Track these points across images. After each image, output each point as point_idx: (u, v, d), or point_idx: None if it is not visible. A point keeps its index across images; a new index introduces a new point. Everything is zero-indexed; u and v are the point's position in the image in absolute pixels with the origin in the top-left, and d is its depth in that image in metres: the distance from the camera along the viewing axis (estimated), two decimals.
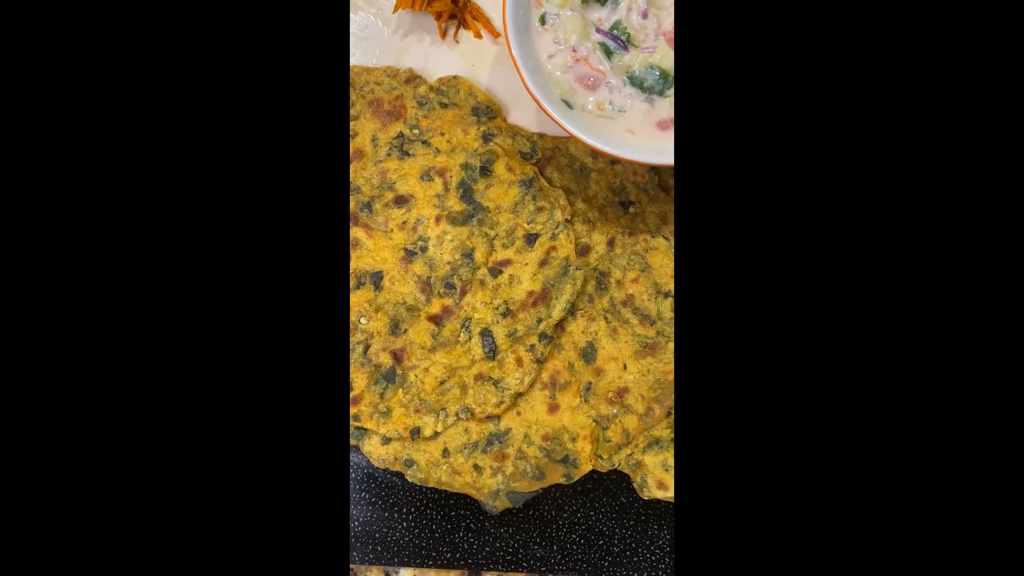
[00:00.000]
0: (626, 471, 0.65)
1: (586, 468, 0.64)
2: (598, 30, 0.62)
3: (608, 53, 0.62)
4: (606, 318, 0.67)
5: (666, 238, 0.68)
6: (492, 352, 0.65)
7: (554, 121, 0.60)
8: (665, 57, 0.61)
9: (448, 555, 0.68)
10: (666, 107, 0.62)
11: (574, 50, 0.62)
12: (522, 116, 0.72)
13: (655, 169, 0.70)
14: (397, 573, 0.69)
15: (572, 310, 0.67)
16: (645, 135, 0.62)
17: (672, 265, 0.68)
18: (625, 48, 0.61)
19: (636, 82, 0.62)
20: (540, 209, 0.68)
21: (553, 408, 0.65)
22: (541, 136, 0.71)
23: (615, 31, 0.61)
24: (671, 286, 0.67)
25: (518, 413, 0.65)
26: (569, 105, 0.62)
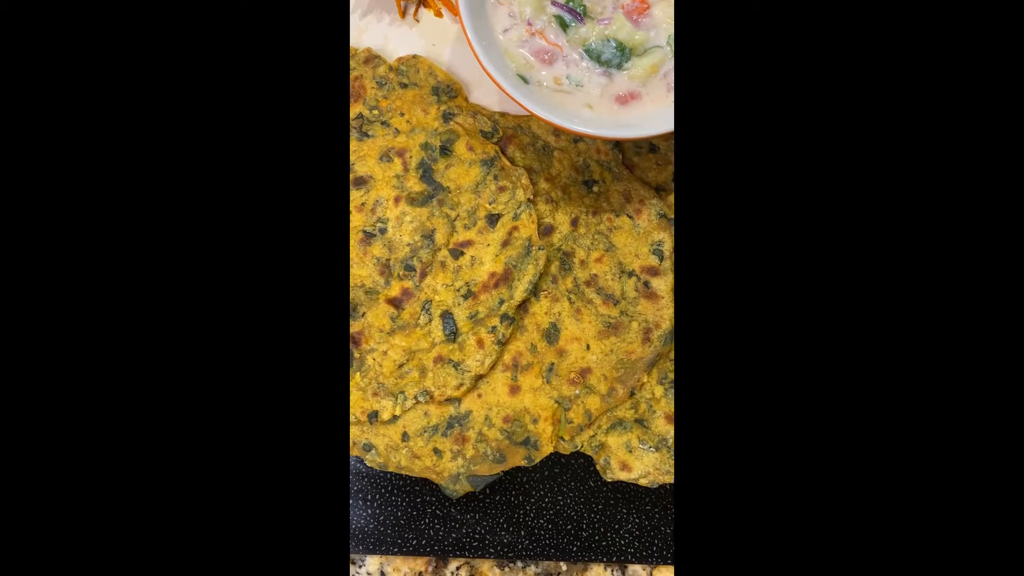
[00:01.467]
0: (589, 453, 0.64)
1: (547, 450, 0.62)
2: (553, 2, 0.60)
3: (564, 26, 0.60)
4: (570, 299, 0.65)
5: (630, 216, 0.67)
6: (453, 334, 0.64)
7: (509, 96, 0.59)
8: (621, 28, 0.60)
9: (414, 542, 0.67)
10: (624, 81, 0.61)
11: (529, 24, 0.61)
12: (484, 95, 0.71)
13: (618, 147, 0.69)
14: (363, 561, 0.68)
15: (535, 291, 0.65)
16: (604, 109, 0.61)
17: (636, 244, 0.67)
18: (581, 20, 0.60)
19: (593, 55, 0.60)
20: (502, 189, 0.67)
21: (514, 390, 0.64)
22: (503, 115, 0.70)
23: (571, 3, 0.60)
24: (635, 265, 0.66)
25: (479, 395, 0.64)
26: (525, 80, 0.61)
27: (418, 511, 0.67)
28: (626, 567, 0.67)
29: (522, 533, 0.67)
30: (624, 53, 0.60)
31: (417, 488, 0.67)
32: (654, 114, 0.61)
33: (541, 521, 0.67)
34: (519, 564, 0.68)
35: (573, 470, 0.67)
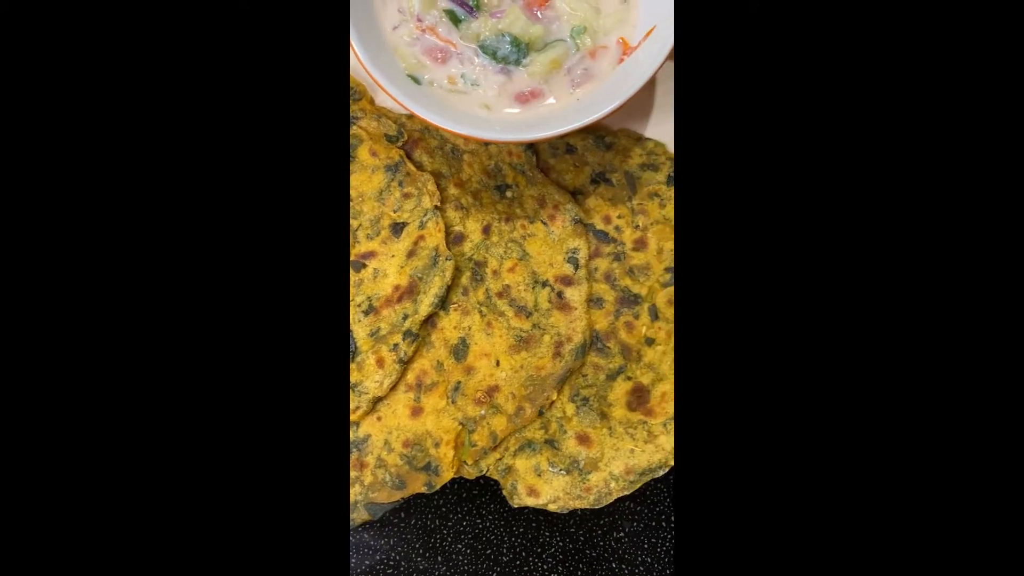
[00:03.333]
0: (496, 477, 0.60)
1: (448, 475, 0.58)
2: None
3: (455, 21, 0.56)
4: (481, 311, 0.61)
5: (544, 223, 0.63)
6: (351, 354, 0.60)
7: (393, 99, 0.55)
8: (516, 22, 0.55)
9: None
10: (524, 78, 0.57)
11: (419, 19, 0.57)
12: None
13: (532, 148, 0.65)
14: None
15: (444, 304, 0.61)
16: (503, 109, 0.57)
17: (550, 252, 0.63)
18: (473, 14, 0.56)
19: (488, 51, 0.56)
20: (407, 196, 0.63)
21: (416, 411, 0.60)
22: (410, 118, 0.66)
23: None
24: (549, 275, 0.62)
25: (378, 418, 0.60)
26: (417, 81, 0.57)
27: None
28: None
29: (439, 559, 0.63)
30: (521, 49, 0.56)
31: None
32: (557, 112, 0.57)
33: (459, 546, 0.64)
34: None
35: (493, 491, 0.63)
